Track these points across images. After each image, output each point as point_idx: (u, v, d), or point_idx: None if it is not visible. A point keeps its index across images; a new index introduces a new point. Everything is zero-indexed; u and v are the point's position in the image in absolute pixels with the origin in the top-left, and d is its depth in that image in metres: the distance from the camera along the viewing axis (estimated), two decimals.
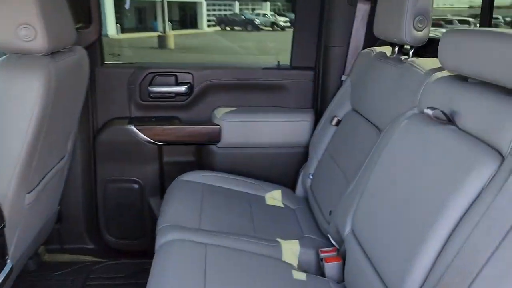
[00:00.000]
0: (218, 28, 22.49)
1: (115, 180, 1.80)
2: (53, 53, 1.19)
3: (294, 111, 1.82)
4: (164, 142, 1.76)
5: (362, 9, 1.61)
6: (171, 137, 1.75)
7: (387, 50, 1.46)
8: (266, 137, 1.80)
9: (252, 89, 1.83)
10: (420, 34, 1.25)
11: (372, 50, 1.54)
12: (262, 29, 22.20)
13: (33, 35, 1.10)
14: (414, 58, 1.27)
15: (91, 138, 1.75)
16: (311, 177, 1.63)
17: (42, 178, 1.31)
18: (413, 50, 1.30)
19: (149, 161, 1.79)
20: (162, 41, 13.41)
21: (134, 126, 1.73)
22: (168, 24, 14.47)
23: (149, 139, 1.74)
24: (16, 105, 1.09)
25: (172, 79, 1.78)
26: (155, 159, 1.79)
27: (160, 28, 16.01)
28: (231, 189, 1.63)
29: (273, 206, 1.60)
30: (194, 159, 1.85)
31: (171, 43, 13.38)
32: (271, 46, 15.25)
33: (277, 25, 23.29)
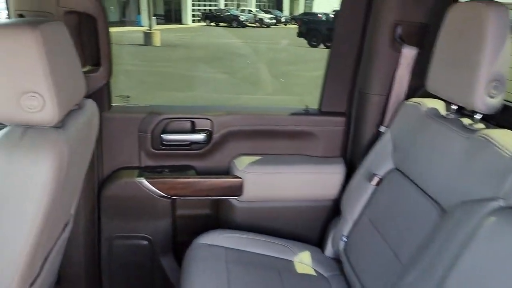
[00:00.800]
0: (203, 23, 22.16)
1: (121, 237, 1.60)
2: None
3: (323, 161, 1.65)
4: (180, 196, 1.56)
5: (408, 55, 1.44)
6: (187, 191, 1.55)
7: (439, 105, 1.29)
8: (291, 190, 1.62)
9: (276, 136, 1.65)
10: (493, 101, 1.08)
11: (420, 103, 1.36)
12: (247, 25, 22.00)
13: (40, 105, 0.88)
14: (485, 129, 1.10)
15: (95, 191, 1.54)
16: (345, 239, 1.46)
17: (46, 258, 1.11)
18: (481, 116, 1.13)
19: (161, 216, 1.59)
20: (147, 38, 13.02)
21: (146, 179, 1.52)
22: (153, 20, 14.07)
23: (162, 193, 1.53)
24: (21, 191, 0.88)
25: (188, 125, 1.58)
26: (167, 213, 1.59)
27: (145, 23, 15.57)
28: (257, 254, 1.45)
29: (305, 274, 1.43)
30: (211, 213, 1.66)
31: (157, 39, 13.00)
32: (257, 44, 15.06)
33: (262, 21, 23.13)
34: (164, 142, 1.56)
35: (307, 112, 1.68)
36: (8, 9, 1.25)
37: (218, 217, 1.64)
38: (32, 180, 0.88)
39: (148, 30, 13.31)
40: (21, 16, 1.23)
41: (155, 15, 15.74)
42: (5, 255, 0.90)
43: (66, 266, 1.51)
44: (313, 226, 1.66)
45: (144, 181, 1.52)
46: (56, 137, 0.92)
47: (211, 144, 1.60)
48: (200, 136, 1.57)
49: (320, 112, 1.67)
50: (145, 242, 1.61)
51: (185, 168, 1.61)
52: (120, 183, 1.53)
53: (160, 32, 13.47)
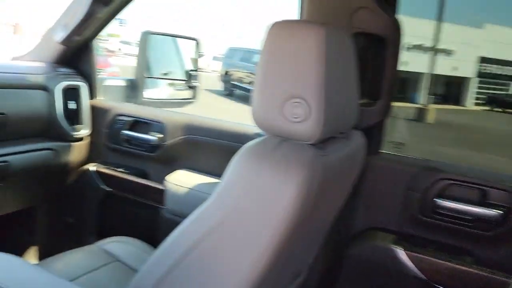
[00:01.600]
0: (484, 107, 20.18)
1: None
2: (323, 141, 0.79)
3: None
4: (443, 285, 1.14)
5: None
6: (457, 284, 1.12)
7: None
8: None
9: None
10: None
11: None
12: None
13: (304, 114, 0.71)
14: None
15: (338, 249, 1.29)
16: None
17: None
18: None
19: None
20: (420, 114, 12.72)
21: (404, 250, 1.18)
22: (428, 97, 13.78)
23: (420, 274, 1.16)
24: (262, 210, 0.71)
25: (475, 193, 1.17)
26: None
27: (420, 100, 15.44)
28: None
29: None
30: None
31: (430, 116, 12.59)
32: None
33: None
34: (439, 210, 1.19)
35: None
36: None
37: None
38: (275, 201, 0.69)
39: (423, 106, 13.01)
40: None
41: (432, 94, 15.36)
42: (221, 284, 0.73)
43: None
44: None
45: (400, 252, 1.19)
46: (313, 157, 0.72)
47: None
48: (491, 212, 1.13)
49: None
50: None
51: (462, 251, 1.18)
52: (371, 245, 1.24)
53: (435, 110, 12.95)
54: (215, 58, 21.84)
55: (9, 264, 0.90)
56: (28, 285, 0.82)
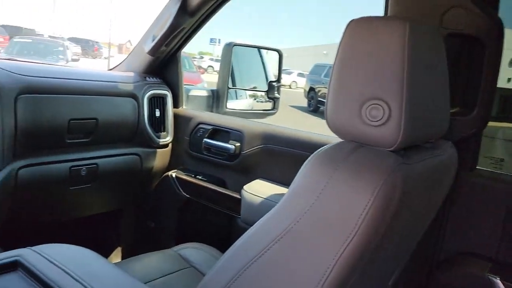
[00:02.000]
0: None
1: None
2: (406, 149, 0.71)
3: None
4: None
5: None
6: None
7: None
8: None
9: None
10: None
11: None
12: None
13: (384, 117, 0.65)
14: None
15: (424, 274, 1.16)
16: None
17: None
18: None
19: None
20: None
21: (503, 280, 1.03)
22: None
23: None
24: (332, 219, 0.65)
25: None
26: None
27: None
28: None
29: None
30: None
31: None
32: None
33: None
34: None
35: None
36: None
37: None
38: (348, 209, 0.63)
39: None
40: None
41: None
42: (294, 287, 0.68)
43: None
44: None
45: (497, 282, 1.03)
46: (392, 164, 0.65)
47: None
48: None
49: None
50: None
51: None
52: (462, 273, 1.10)
53: None
54: (300, 75, 21.96)
55: (88, 260, 0.93)
56: (101, 281, 0.84)
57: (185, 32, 1.61)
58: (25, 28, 20.49)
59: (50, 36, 20.14)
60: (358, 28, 0.70)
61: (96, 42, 23.80)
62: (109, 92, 1.53)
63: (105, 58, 21.96)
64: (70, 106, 1.41)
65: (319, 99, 12.67)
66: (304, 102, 13.50)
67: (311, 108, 13.02)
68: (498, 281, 1.04)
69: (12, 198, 1.32)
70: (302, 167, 0.70)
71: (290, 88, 21.44)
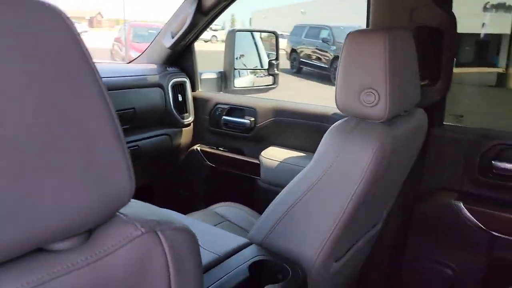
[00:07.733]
0: None
1: (425, 258, 1.54)
2: (391, 119, 1.05)
3: None
4: (500, 233, 1.36)
5: None
6: None
7: None
8: None
9: None
10: None
11: None
12: None
13: (375, 101, 0.98)
14: None
15: (408, 207, 1.54)
16: None
17: (351, 246, 1.21)
18: None
19: (473, 249, 1.43)
20: (500, 79, 11.92)
21: (464, 204, 1.41)
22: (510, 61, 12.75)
23: (480, 225, 1.38)
24: (345, 173, 1.00)
25: None
26: (481, 248, 1.42)
27: (501, 63, 14.40)
28: None
29: None
30: None
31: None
32: None
33: None
34: (495, 171, 1.40)
35: None
36: (368, 26, 1.45)
37: None
38: (356, 165, 0.98)
39: (503, 71, 12.16)
40: None
41: None
42: (317, 227, 1.04)
43: (367, 268, 1.59)
44: None
45: (462, 207, 1.42)
46: (382, 131, 0.99)
47: None
48: None
49: None
50: (449, 271, 1.49)
51: None
52: (436, 205, 1.48)
53: None
54: (280, 36, 21.86)
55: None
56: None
57: (199, 27, 1.90)
58: None
59: None
60: (355, 38, 1.02)
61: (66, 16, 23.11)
62: (141, 85, 1.84)
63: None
64: (114, 100, 1.70)
65: (301, 59, 12.57)
66: (286, 64, 13.38)
67: (294, 70, 12.94)
68: (461, 205, 1.42)
69: None
70: (324, 137, 1.04)
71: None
